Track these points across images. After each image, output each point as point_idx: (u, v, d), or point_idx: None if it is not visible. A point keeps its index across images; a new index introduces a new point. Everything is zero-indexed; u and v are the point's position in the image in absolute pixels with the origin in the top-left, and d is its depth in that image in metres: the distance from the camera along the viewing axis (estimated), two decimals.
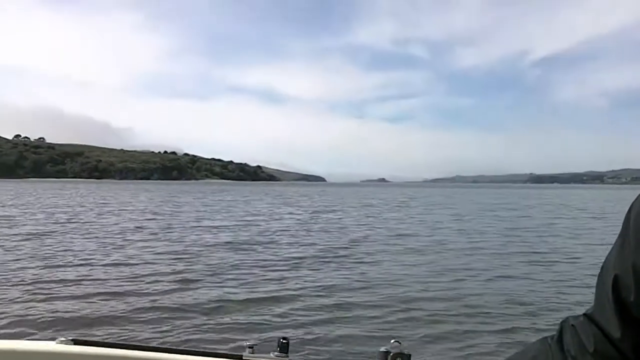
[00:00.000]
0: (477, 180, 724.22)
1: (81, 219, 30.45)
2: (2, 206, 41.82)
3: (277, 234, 23.99)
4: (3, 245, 18.35)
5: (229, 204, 51.15)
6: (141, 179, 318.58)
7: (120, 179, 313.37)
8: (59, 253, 16.91)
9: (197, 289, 11.74)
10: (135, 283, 12.30)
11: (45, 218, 30.92)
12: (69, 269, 14.15)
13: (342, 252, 17.97)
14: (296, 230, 25.92)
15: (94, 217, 32.15)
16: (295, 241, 21.28)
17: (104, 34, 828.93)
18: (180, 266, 14.71)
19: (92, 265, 14.65)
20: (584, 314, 1.23)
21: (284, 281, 12.74)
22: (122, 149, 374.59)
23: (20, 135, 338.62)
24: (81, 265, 14.75)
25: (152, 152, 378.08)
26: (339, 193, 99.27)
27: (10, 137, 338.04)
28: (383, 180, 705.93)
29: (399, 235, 23.88)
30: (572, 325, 1.22)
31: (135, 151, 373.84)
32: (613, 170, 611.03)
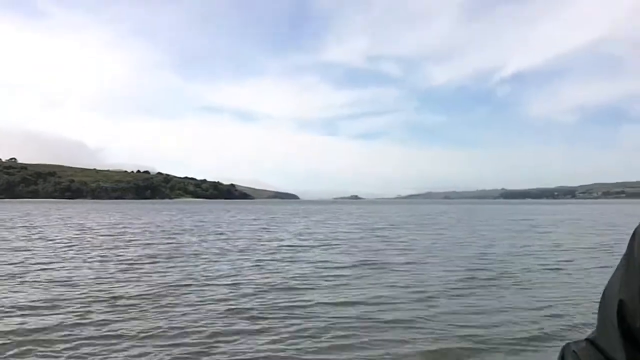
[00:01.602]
0: (449, 197, 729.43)
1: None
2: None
3: (392, 253, 23.50)
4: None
5: (262, 223, 50.25)
6: (115, 198, 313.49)
7: (93, 198, 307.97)
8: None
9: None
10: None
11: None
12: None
13: (494, 272, 17.57)
14: (396, 248, 25.40)
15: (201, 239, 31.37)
16: (433, 261, 20.68)
17: (74, 52, 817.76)
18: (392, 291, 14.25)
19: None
20: (587, 340, 1.20)
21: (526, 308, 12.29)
22: (94, 169, 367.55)
23: None
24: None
25: (125, 171, 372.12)
26: (343, 211, 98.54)
27: None
28: (356, 197, 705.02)
29: (516, 255, 23.42)
30: (574, 351, 1.19)
31: (108, 171, 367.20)
32: (583, 185, 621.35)
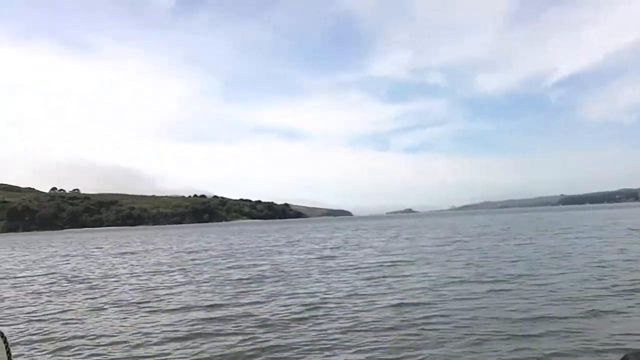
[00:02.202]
0: (507, 205, 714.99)
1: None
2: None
3: (502, 265, 22.82)
4: None
5: (339, 241, 49.77)
6: (174, 223, 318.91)
7: (154, 224, 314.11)
8: None
9: None
10: None
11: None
12: None
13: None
14: (502, 260, 24.61)
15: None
16: (553, 272, 19.81)
17: (126, 85, 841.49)
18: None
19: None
20: None
21: None
22: (153, 195, 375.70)
23: (56, 188, 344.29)
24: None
25: (183, 196, 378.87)
26: (408, 225, 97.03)
27: (47, 190, 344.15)
28: (410, 210, 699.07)
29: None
30: None
31: (166, 196, 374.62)
32: None
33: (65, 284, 23.40)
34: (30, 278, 27.22)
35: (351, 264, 26.45)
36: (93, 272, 28.72)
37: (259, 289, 18.70)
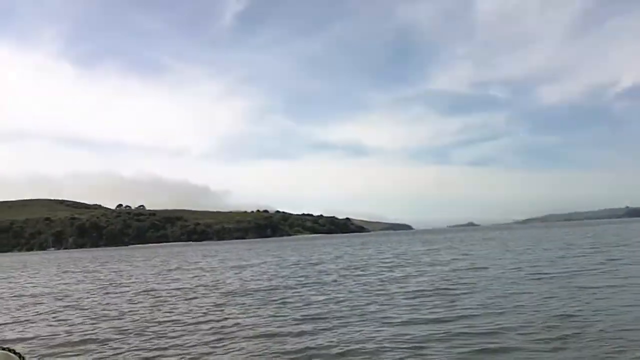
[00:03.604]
0: (571, 218, 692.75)
1: None
2: None
3: None
4: None
5: (453, 253, 48.03)
6: (237, 238, 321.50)
7: (218, 239, 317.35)
8: None
9: None
10: None
11: None
12: None
13: None
14: None
15: None
16: None
17: (192, 104, 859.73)
18: None
19: None
20: None
21: None
22: (217, 211, 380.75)
23: (122, 205, 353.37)
24: None
25: (246, 211, 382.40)
26: (486, 238, 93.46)
27: (113, 206, 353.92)
28: (471, 224, 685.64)
29: None
30: None
31: (230, 212, 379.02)
32: None
33: (229, 296, 22.65)
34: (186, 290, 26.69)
35: (504, 275, 24.96)
36: (246, 284, 28.03)
37: (458, 300, 17.37)
